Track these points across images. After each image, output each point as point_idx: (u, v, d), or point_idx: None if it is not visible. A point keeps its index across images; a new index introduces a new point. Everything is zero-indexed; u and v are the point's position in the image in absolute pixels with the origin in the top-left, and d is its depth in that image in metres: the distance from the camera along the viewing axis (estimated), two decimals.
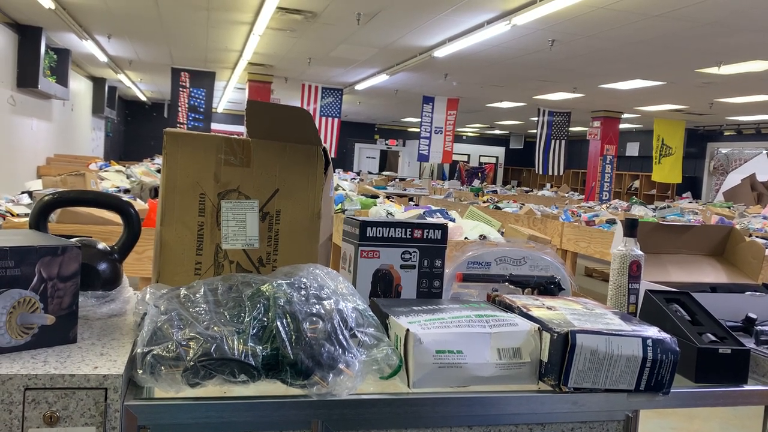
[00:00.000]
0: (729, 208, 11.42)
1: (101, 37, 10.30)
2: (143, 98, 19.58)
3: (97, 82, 15.66)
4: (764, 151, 16.16)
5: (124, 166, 8.41)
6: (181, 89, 12.36)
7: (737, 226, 7.30)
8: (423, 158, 14.33)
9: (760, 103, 12.06)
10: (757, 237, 5.83)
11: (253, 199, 1.27)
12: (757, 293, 1.54)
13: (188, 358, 0.94)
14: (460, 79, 11.66)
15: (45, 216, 1.19)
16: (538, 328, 1.14)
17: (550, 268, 1.55)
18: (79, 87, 14.14)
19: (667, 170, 14.97)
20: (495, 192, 13.39)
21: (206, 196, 1.26)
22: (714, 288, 1.58)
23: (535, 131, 14.79)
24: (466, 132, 24.02)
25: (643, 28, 7.19)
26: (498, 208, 7.99)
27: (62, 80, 11.02)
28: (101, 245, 1.24)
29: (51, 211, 1.20)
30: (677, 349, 1.12)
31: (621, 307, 1.46)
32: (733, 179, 17.14)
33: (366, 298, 1.33)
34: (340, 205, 5.56)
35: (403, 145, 23.59)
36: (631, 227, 1.48)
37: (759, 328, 1.35)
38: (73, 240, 1.12)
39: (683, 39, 7.55)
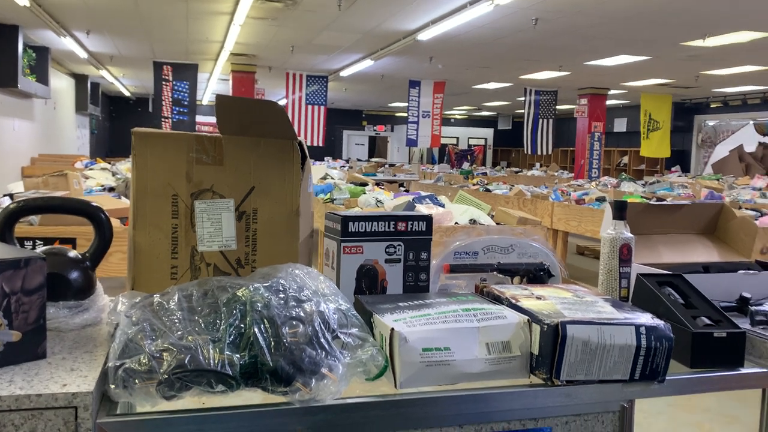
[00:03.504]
0: (718, 180, 11.45)
1: (80, 33, 10.14)
2: (127, 93, 19.38)
3: (79, 79, 15.47)
4: (751, 122, 16.19)
5: (110, 164, 8.31)
6: (164, 83, 12.23)
7: (727, 199, 7.31)
8: (412, 143, 14.26)
9: (746, 74, 12.05)
10: (746, 209, 5.83)
11: (228, 199, 1.22)
12: (751, 271, 1.51)
13: (162, 370, 0.89)
14: (446, 61, 11.58)
15: (10, 226, 1.14)
16: (528, 320, 1.10)
17: (538, 254, 1.52)
18: (61, 85, 13.96)
19: (656, 145, 14.98)
20: (485, 174, 13.35)
21: (179, 197, 1.21)
22: (707, 268, 1.55)
23: (522, 111, 14.75)
24: (454, 115, 23.94)
25: (627, 3, 7.13)
26: (488, 190, 7.96)
27: (42, 78, 10.86)
28: (72, 253, 1.19)
29: (16, 221, 1.15)
30: (671, 335, 1.09)
31: (612, 292, 1.43)
32: (721, 151, 17.18)
33: (351, 295, 1.28)
34: (329, 194, 5.50)
35: (392, 131, 23.49)
36: (620, 210, 1.44)
37: (754, 308, 1.32)
38: (38, 251, 1.07)
39: (667, 12, 7.49)
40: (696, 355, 1.18)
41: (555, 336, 1.05)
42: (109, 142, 20.47)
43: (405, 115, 14.99)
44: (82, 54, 11.37)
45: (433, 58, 11.21)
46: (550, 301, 1.18)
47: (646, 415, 3.11)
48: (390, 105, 20.99)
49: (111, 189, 5.55)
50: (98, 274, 1.25)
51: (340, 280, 1.29)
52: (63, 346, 1.05)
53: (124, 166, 7.51)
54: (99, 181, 6.05)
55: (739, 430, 3.02)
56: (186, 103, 12.24)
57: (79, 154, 13.92)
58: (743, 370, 1.19)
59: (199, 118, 13.35)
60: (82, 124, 16.66)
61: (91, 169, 7.25)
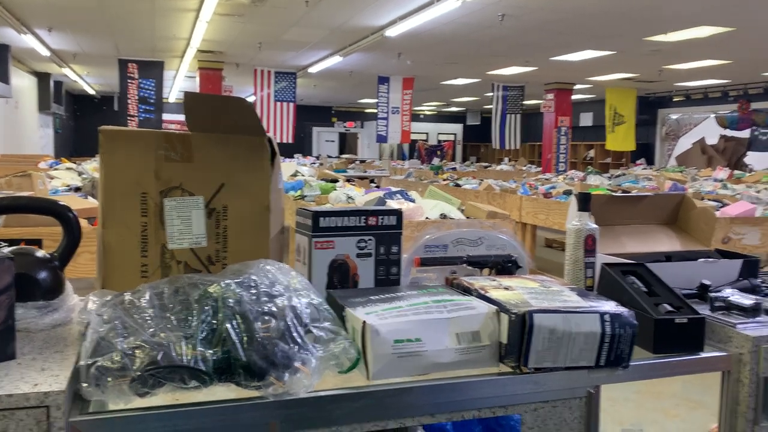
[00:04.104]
0: (681, 172, 11.71)
1: (41, 31, 9.93)
2: (91, 92, 19.03)
3: (42, 78, 15.14)
4: (712, 116, 16.56)
5: (75, 163, 8.17)
6: (129, 81, 12.05)
7: (690, 190, 7.48)
8: (382, 139, 14.28)
9: (707, 68, 12.32)
10: (709, 200, 5.97)
11: (198, 196, 1.22)
12: (711, 259, 1.56)
13: (134, 367, 0.90)
14: (414, 57, 11.61)
15: None
16: (496, 310, 1.13)
17: (506, 246, 1.54)
18: (23, 83, 13.66)
19: (621, 138, 15.23)
20: (454, 169, 13.42)
21: (148, 195, 1.21)
22: (669, 257, 1.60)
23: (490, 107, 14.87)
24: (424, 110, 24.02)
25: None
26: (458, 185, 8.02)
27: (3, 77, 10.62)
28: (40, 253, 1.18)
29: None
30: (635, 322, 1.12)
31: (578, 282, 1.46)
32: (684, 144, 17.56)
33: (322, 290, 1.29)
34: (299, 191, 5.49)
35: (362, 127, 23.48)
36: (584, 201, 1.48)
37: (713, 294, 1.36)
38: (5, 251, 1.06)
39: (631, 8, 7.63)
40: (659, 341, 1.21)
41: (523, 325, 1.07)
42: (74, 142, 20.09)
43: (375, 111, 15.00)
44: (44, 52, 11.14)
45: (401, 54, 11.24)
46: (518, 291, 1.21)
47: (613, 402, 3.18)
48: (359, 101, 20.97)
49: (77, 189, 5.46)
50: (66, 275, 1.24)
51: (312, 275, 1.30)
52: (33, 347, 1.04)
53: (90, 166, 7.39)
54: (64, 181, 5.94)
55: (703, 415, 3.11)
56: (152, 101, 12.07)
57: (42, 154, 13.63)
58: (704, 354, 1.24)
59: (166, 116, 13.17)
60: (45, 123, 16.32)
61: (56, 169, 7.13)
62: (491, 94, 14.64)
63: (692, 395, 3.32)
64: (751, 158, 15.77)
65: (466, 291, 1.26)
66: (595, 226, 1.47)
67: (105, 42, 10.84)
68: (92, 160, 8.91)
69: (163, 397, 0.93)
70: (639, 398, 3.25)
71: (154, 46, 11.12)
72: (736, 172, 11.37)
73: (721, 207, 5.00)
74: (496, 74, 13.63)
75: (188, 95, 1.19)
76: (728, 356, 1.25)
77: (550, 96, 14.86)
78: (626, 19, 8.22)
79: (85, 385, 0.89)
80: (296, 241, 1.38)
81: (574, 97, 15.57)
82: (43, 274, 1.15)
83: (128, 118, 11.97)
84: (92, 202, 4.19)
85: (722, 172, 10.42)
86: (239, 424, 0.95)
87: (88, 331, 0.96)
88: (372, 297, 1.19)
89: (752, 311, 1.30)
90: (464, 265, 1.50)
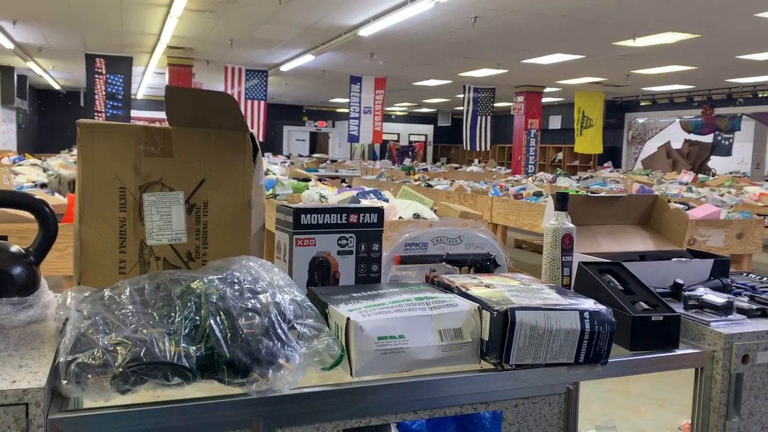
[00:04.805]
0: (647, 175, 11.95)
1: (5, 23, 9.69)
2: (57, 87, 18.62)
3: (5, 71, 14.78)
4: (677, 120, 16.92)
5: (40, 159, 7.99)
6: (96, 76, 11.83)
7: (656, 193, 7.63)
8: (353, 139, 14.27)
9: (673, 73, 12.58)
10: (674, 202, 6.10)
11: (178, 191, 1.21)
12: (683, 259, 1.59)
13: (116, 364, 0.88)
14: (387, 58, 11.62)
15: None
16: (478, 308, 1.13)
17: (485, 245, 1.56)
18: None
19: (589, 141, 15.47)
20: (426, 170, 13.49)
21: (126, 190, 1.19)
22: (643, 256, 1.62)
23: (461, 108, 14.97)
24: (395, 111, 24.06)
25: (562, 4, 7.34)
26: (429, 185, 8.06)
27: None
28: (14, 248, 1.16)
29: None
30: (613, 320, 1.14)
31: (555, 280, 1.48)
32: (650, 147, 17.91)
33: (303, 287, 1.29)
34: (271, 190, 5.45)
35: (333, 126, 23.42)
36: (562, 201, 1.50)
37: (686, 293, 1.39)
38: None
39: (600, 13, 7.75)
40: (635, 338, 1.24)
41: (504, 322, 1.08)
42: (38, 137, 19.63)
43: (346, 111, 14.99)
44: (8, 44, 10.88)
45: (374, 54, 11.24)
46: (499, 288, 1.22)
47: (585, 401, 3.23)
48: (331, 101, 20.91)
49: (43, 185, 5.34)
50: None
51: (293, 272, 1.29)
52: (8, 344, 1.01)
53: (56, 162, 7.24)
54: (29, 177, 5.82)
55: (671, 413, 3.18)
56: (120, 97, 11.88)
57: (5, 149, 13.29)
58: (678, 351, 1.26)
59: (134, 113, 12.99)
60: (8, 118, 15.93)
61: (20, 165, 6.96)
62: (462, 95, 14.73)
63: (659, 394, 3.39)
64: (714, 162, 16.17)
65: (447, 288, 1.26)
66: (572, 225, 1.49)
67: (72, 36, 10.62)
68: (57, 156, 8.73)
69: (144, 395, 0.91)
70: (609, 396, 3.31)
71: (122, 41, 10.94)
72: (700, 175, 11.65)
73: (687, 210, 5.11)
74: (468, 76, 13.73)
75: (170, 89, 1.17)
76: (702, 353, 1.28)
77: (520, 98, 15.02)
78: (596, 24, 8.35)
79: (64, 382, 0.87)
80: (276, 238, 1.37)
81: (543, 99, 15.76)
82: (17, 270, 1.12)
83: (95, 113, 11.75)
84: (59, 199, 4.11)
85: (687, 176, 10.65)
86: (222, 421, 0.94)
87: (67, 327, 0.94)
88: (354, 294, 1.19)
89: (724, 309, 1.33)
90: (443, 263, 1.51)
